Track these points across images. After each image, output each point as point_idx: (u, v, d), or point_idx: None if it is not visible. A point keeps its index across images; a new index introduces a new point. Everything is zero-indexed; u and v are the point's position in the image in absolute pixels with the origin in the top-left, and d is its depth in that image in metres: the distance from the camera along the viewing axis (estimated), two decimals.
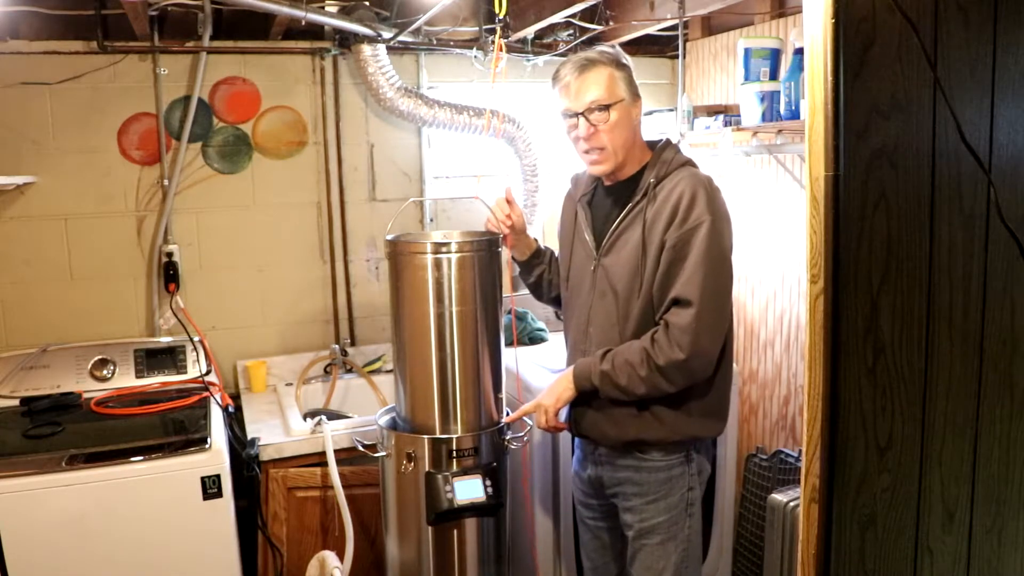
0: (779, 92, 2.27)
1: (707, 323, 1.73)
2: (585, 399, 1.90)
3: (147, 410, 2.37)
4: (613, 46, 2.04)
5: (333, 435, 2.31)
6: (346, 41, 2.79)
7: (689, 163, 1.87)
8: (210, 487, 2.07)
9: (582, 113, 1.82)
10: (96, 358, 2.58)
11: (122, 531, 2.01)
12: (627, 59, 1.88)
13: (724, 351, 1.84)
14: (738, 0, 2.46)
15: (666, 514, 1.88)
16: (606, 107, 1.81)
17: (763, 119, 2.32)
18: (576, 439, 2.09)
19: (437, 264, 1.99)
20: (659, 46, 3.17)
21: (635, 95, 1.86)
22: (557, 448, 2.40)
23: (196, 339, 2.66)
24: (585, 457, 2.04)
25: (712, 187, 1.80)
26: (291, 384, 2.81)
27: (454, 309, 2.01)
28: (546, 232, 3.19)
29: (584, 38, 2.97)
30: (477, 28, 2.94)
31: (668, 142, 1.91)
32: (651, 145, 1.93)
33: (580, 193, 2.02)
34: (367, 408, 2.73)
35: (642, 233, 1.81)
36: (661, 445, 1.86)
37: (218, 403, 2.40)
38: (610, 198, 1.94)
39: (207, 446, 2.11)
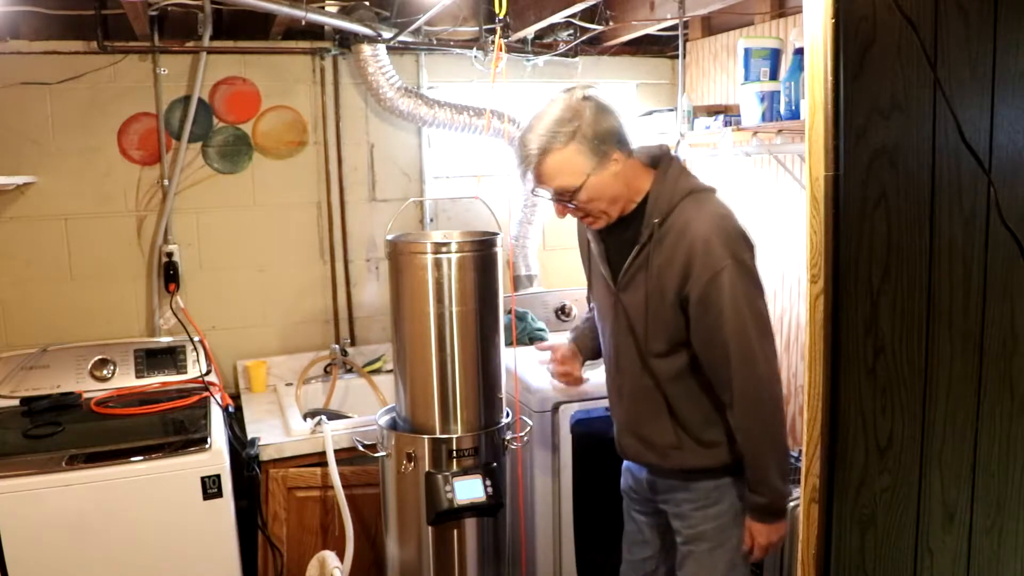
0: (779, 92, 2.27)
1: (767, 361, 1.65)
2: (631, 433, 1.85)
3: (147, 410, 2.37)
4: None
5: (333, 435, 2.31)
6: (346, 41, 2.79)
7: (693, 191, 1.69)
8: (210, 487, 2.07)
9: (555, 200, 1.71)
10: (96, 358, 2.58)
11: (122, 531, 2.01)
12: (580, 106, 1.63)
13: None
14: (738, 0, 2.46)
15: (714, 521, 1.80)
16: (574, 191, 1.65)
17: (763, 119, 2.32)
18: None
19: (437, 264, 1.99)
20: (659, 46, 3.17)
21: (605, 152, 1.63)
22: (558, 448, 2.40)
23: (196, 339, 2.65)
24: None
25: (724, 224, 1.64)
26: (291, 384, 2.81)
27: (454, 309, 2.01)
28: (546, 232, 3.19)
29: (584, 38, 2.97)
30: (477, 28, 2.94)
31: (667, 160, 1.73)
32: (651, 159, 1.74)
33: None
34: (367, 408, 2.73)
35: (655, 280, 1.68)
36: (707, 471, 1.78)
37: (218, 403, 2.40)
38: (620, 228, 1.76)
39: (207, 446, 2.11)
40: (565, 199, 1.68)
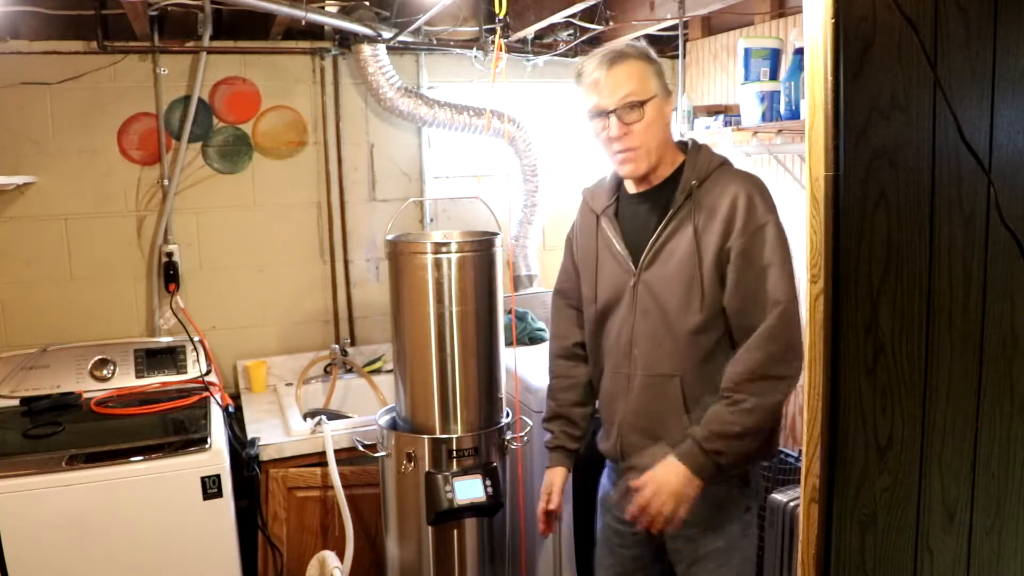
0: (779, 92, 2.27)
1: (797, 320, 1.63)
2: (639, 429, 1.76)
3: (147, 410, 2.37)
4: (639, 38, 1.87)
5: (333, 435, 2.31)
6: (346, 41, 2.79)
7: (727, 162, 1.74)
8: (210, 487, 2.07)
9: (614, 111, 1.66)
10: (96, 358, 2.58)
11: (122, 531, 2.01)
12: (655, 54, 1.74)
13: None
14: (738, 0, 2.46)
15: (723, 540, 1.75)
16: (640, 103, 1.65)
17: (763, 119, 2.32)
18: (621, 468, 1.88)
19: (437, 264, 2.00)
20: (659, 46, 3.16)
21: (667, 91, 1.71)
22: None
23: (196, 339, 2.66)
24: (630, 489, 1.79)
25: (762, 186, 1.69)
26: (291, 384, 2.81)
27: (454, 309, 2.01)
28: (546, 232, 3.19)
29: (584, 38, 2.97)
30: (477, 28, 2.94)
31: (695, 143, 1.78)
32: (679, 147, 1.79)
33: (602, 205, 1.82)
34: (367, 408, 2.74)
35: (694, 240, 1.65)
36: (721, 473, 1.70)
37: (218, 403, 2.40)
38: (643, 206, 1.76)
39: (207, 446, 2.11)
40: (626, 111, 1.65)
